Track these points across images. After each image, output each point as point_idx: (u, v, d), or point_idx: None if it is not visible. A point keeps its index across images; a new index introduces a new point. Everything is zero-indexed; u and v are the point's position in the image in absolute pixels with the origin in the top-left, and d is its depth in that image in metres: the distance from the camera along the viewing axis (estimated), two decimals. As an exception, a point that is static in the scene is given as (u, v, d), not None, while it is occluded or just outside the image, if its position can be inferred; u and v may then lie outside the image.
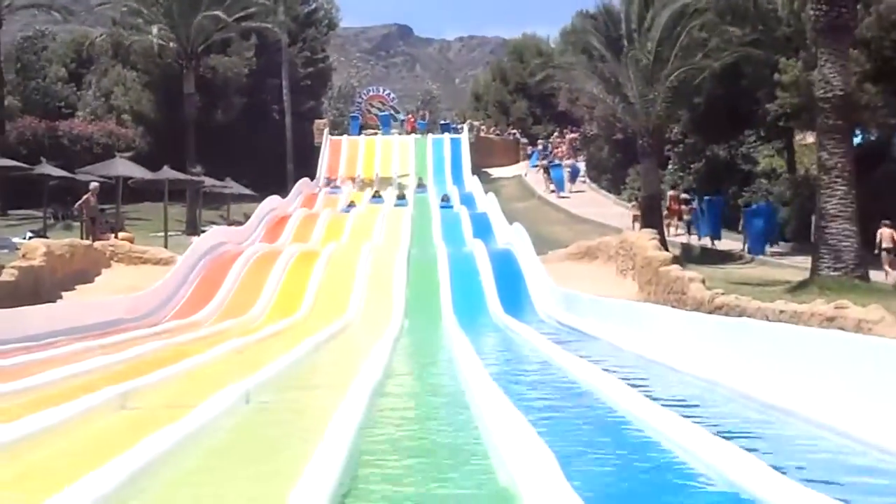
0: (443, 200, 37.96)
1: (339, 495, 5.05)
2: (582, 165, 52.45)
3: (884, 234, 25.54)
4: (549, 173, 49.20)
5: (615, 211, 40.75)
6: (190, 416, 7.16)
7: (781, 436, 7.03)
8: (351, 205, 37.64)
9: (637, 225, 34.22)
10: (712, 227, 34.98)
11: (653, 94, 32.06)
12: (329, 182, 46.26)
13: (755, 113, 34.51)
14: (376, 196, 40.86)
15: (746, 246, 33.02)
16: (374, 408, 8.21)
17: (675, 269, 19.64)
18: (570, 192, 48.15)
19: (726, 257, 32.36)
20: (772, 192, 36.47)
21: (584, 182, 50.55)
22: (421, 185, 43.90)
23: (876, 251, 25.18)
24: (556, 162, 52.13)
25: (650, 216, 32.16)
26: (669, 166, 41.86)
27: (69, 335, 15.07)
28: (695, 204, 36.32)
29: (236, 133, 50.84)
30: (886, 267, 25.01)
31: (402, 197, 40.16)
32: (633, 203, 39.32)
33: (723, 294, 16.77)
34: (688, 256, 31.23)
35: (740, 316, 14.09)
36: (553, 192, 47.66)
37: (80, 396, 8.24)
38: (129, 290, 20.91)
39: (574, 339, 15.17)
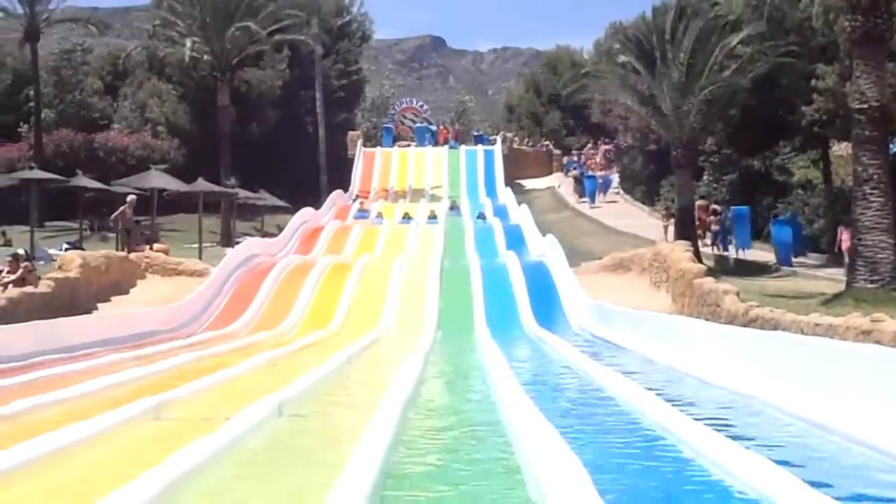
0: (478, 218, 36.30)
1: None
2: (615, 177, 52.48)
3: None
4: (580, 184, 49.19)
5: (649, 223, 40.59)
6: (223, 427, 7.19)
7: (815, 450, 6.98)
8: (379, 216, 37.45)
9: (668, 234, 35.43)
10: (741, 239, 34.83)
11: (686, 105, 31.95)
12: (358, 202, 42.75)
13: (790, 123, 34.29)
14: (406, 218, 37.10)
15: (776, 257, 32.85)
16: (407, 421, 8.22)
17: (709, 282, 19.53)
18: (602, 202, 48.16)
19: (761, 269, 32.14)
20: (807, 204, 36.24)
21: (617, 193, 50.49)
22: (454, 207, 39.76)
23: None
24: (589, 173, 52.12)
25: (683, 228, 32.02)
26: (704, 177, 41.68)
27: (105, 346, 15.20)
28: (723, 215, 36.12)
29: (270, 145, 51.12)
30: None
31: (433, 218, 36.62)
32: (663, 212, 39.51)
33: (757, 307, 16.65)
34: (722, 269, 31.07)
35: (775, 329, 13.99)
36: (584, 202, 47.60)
37: (116, 408, 8.31)
38: (163, 301, 21.06)
39: (607, 351, 15.12)
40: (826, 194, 36.17)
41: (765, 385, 9.32)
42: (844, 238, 29.10)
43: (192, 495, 5.65)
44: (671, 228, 35.56)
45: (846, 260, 26.87)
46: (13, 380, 11.04)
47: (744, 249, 34.78)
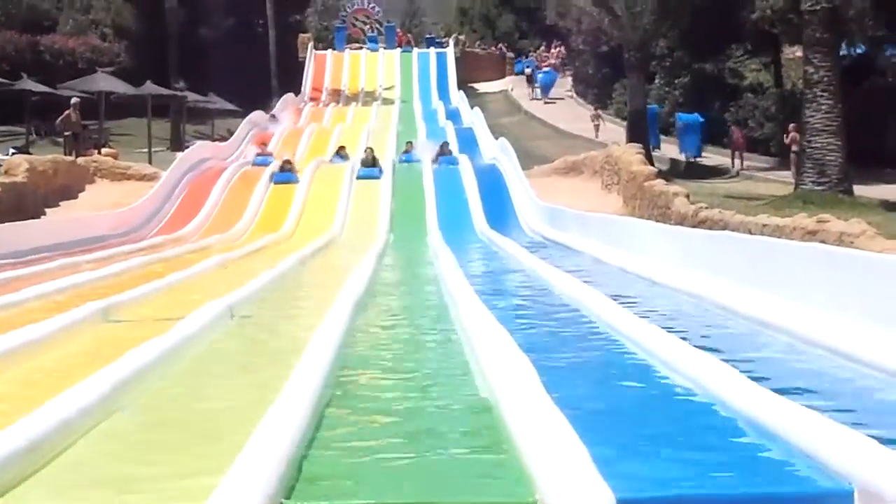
0: (441, 153, 26.09)
1: (321, 405, 5.10)
2: (568, 80, 52.92)
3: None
4: (532, 81, 51.43)
5: (615, 130, 40.56)
6: (174, 329, 7.19)
7: (760, 347, 7.10)
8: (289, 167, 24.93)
9: (597, 133, 39.28)
10: (689, 146, 35.25)
11: (640, 6, 31.74)
12: (255, 146, 29.60)
13: (742, 26, 34.23)
14: (340, 154, 26.49)
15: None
16: (357, 322, 8.26)
17: (660, 184, 19.66)
18: (545, 100, 50.27)
19: (712, 172, 32.40)
20: (758, 107, 36.39)
21: (570, 96, 50.55)
22: (408, 151, 26.74)
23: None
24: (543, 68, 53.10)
25: (635, 131, 32.06)
26: (656, 81, 41.64)
27: (53, 251, 15.03)
28: None
29: (220, 47, 50.20)
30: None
31: (371, 165, 24.52)
32: (593, 114, 41.56)
33: (706, 208, 16.82)
34: (673, 171, 31.27)
35: (723, 230, 14.13)
36: (537, 99, 49.65)
37: (65, 311, 8.27)
38: (113, 206, 20.87)
39: (558, 253, 15.23)
40: (777, 97, 36.30)
41: (712, 285, 9.44)
42: (737, 135, 34.19)
43: (142, 394, 5.66)
44: (602, 127, 39.15)
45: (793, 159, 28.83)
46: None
47: (693, 157, 35.08)
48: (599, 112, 42.26)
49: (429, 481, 4.01)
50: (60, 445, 4.47)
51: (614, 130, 37.79)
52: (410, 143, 27.30)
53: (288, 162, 24.62)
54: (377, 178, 23.46)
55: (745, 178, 31.15)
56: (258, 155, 27.10)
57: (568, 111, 46.87)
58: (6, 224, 16.19)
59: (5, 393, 5.74)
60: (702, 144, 35.98)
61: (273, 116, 36.10)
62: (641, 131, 31.97)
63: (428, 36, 61.95)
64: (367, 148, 25.78)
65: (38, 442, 4.29)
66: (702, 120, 35.89)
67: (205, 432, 4.90)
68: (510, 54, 61.48)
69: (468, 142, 29.93)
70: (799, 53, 30.89)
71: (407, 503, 3.72)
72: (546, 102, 49.26)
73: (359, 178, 23.65)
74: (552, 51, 57.56)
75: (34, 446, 4.23)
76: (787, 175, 28.38)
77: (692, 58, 39.92)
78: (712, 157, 35.80)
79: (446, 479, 4.05)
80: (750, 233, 13.35)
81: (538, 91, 51.18)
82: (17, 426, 4.35)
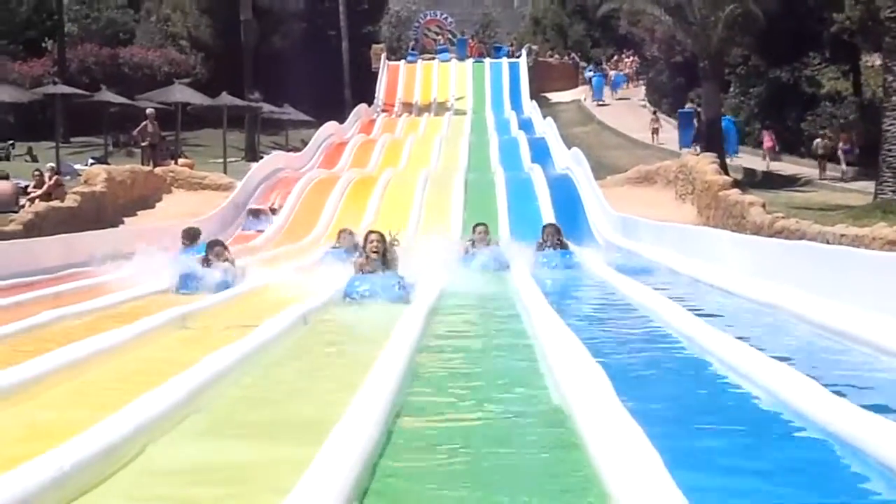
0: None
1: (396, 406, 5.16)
2: (639, 88, 53.07)
3: None
4: (591, 83, 52.84)
5: (674, 136, 40.25)
6: (251, 335, 7.28)
7: (840, 360, 6.97)
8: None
9: (656, 137, 40.54)
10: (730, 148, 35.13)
11: (714, 15, 31.43)
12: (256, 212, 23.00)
13: (820, 33, 33.70)
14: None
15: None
16: (431, 327, 8.28)
17: (735, 194, 19.43)
18: (612, 100, 51.37)
19: (789, 182, 31.95)
20: (836, 116, 35.80)
21: (643, 106, 50.22)
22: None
23: None
24: (598, 72, 54.35)
25: (711, 140, 31.71)
26: (731, 90, 41.16)
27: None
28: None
29: (294, 59, 50.70)
30: None
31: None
32: (652, 117, 41.98)
33: (783, 218, 16.58)
34: (749, 181, 30.87)
35: (800, 240, 13.93)
36: (599, 103, 50.83)
37: (144, 317, 8.42)
38: (189, 215, 21.12)
39: (632, 263, 15.10)
40: (856, 106, 35.70)
41: (789, 295, 9.30)
42: (766, 139, 35.52)
43: (223, 399, 5.74)
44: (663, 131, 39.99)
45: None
46: (42, 291, 11.16)
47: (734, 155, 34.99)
48: (658, 115, 42.20)
49: (501, 487, 4.00)
50: (136, 447, 4.54)
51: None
52: (484, 228, 14.94)
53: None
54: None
55: (822, 188, 30.67)
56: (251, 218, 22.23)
57: (641, 121, 46.50)
58: (85, 233, 16.52)
59: (84, 394, 5.87)
60: (737, 146, 36.50)
61: (255, 212, 22.73)
62: (716, 141, 31.60)
63: (496, 45, 61.93)
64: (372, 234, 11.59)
65: (116, 444, 4.37)
66: (733, 122, 36.41)
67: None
68: (583, 64, 61.24)
69: (541, 152, 29.85)
70: (879, 61, 30.36)
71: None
72: (599, 104, 50.76)
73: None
74: (625, 60, 57.25)
75: (112, 448, 4.30)
76: (867, 185, 27.88)
77: (768, 66, 39.39)
78: (789, 167, 35.31)
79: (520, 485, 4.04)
80: (828, 243, 13.13)
81: (596, 93, 52.37)
82: (96, 429, 4.44)
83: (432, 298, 9.72)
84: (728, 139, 34.58)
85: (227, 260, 11.79)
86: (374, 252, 10.60)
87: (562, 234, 15.07)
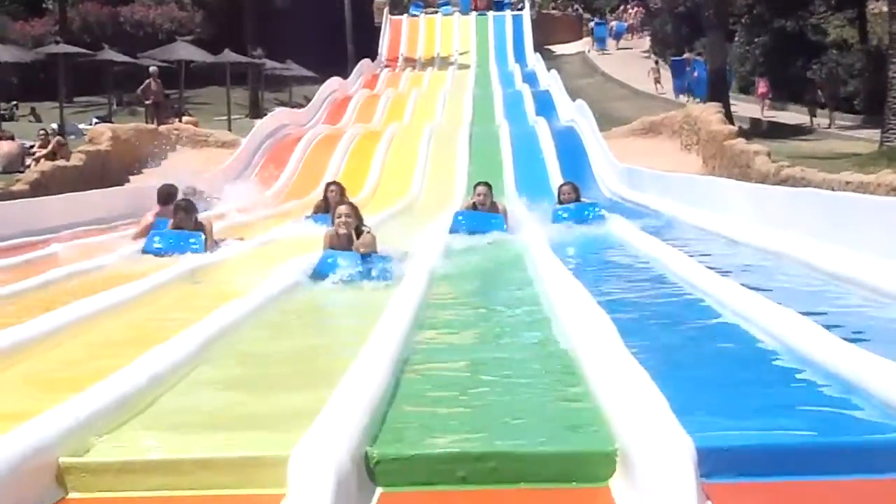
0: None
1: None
2: (643, 39, 52.81)
3: None
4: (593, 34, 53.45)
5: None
6: (258, 289, 7.36)
7: (845, 304, 7.01)
8: None
9: (659, 86, 40.44)
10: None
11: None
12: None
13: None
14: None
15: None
16: (435, 277, 8.35)
17: (741, 143, 19.38)
18: (615, 49, 52.13)
19: (794, 132, 31.83)
20: (840, 64, 35.60)
21: (646, 55, 49.97)
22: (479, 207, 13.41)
23: None
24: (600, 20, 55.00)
25: (715, 90, 31.56)
26: (736, 39, 40.91)
27: (137, 217, 15.30)
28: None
29: (296, 14, 50.45)
30: None
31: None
32: (653, 66, 42.06)
33: (788, 167, 16.55)
34: (754, 131, 30.77)
35: (806, 188, 13.93)
36: (603, 52, 51.58)
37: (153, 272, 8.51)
38: (194, 172, 21.13)
39: (636, 213, 15.12)
40: (861, 54, 35.49)
41: (794, 242, 9.33)
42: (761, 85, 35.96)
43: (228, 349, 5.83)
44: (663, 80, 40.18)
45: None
46: (48, 250, 11.22)
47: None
48: (658, 64, 42.14)
49: (509, 430, 4.07)
50: (152, 394, 4.66)
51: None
52: (486, 187, 13.16)
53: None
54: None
55: (828, 137, 30.57)
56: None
57: (645, 72, 46.28)
58: (91, 191, 16.57)
59: (97, 348, 5.97)
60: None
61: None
62: (721, 91, 31.46)
63: (496, -1, 61.59)
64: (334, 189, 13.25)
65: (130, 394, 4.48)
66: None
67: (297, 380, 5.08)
68: (587, 15, 60.86)
69: (545, 104, 29.77)
70: (885, 8, 30.14)
71: (489, 451, 3.77)
72: (602, 53, 51.39)
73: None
74: (630, 11, 56.94)
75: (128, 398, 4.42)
76: (873, 134, 27.78)
77: (773, 15, 39.11)
78: (795, 116, 35.18)
79: (526, 427, 4.11)
80: (833, 190, 13.13)
81: (598, 43, 52.95)
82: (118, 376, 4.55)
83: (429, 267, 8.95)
84: (699, 84, 35.28)
85: (198, 224, 10.83)
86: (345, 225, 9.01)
87: (580, 193, 14.05)
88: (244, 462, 3.74)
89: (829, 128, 32.50)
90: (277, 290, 7.58)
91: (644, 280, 8.56)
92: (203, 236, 10.54)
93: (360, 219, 9.14)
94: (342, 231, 8.95)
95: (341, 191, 12.95)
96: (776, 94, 36.48)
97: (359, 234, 8.90)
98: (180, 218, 10.75)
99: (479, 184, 13.12)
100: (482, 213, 12.44)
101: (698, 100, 33.60)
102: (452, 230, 12.05)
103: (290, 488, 3.39)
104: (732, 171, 18.52)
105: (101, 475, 3.75)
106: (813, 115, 33.61)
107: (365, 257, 8.58)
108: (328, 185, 13.82)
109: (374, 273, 8.36)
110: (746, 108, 36.06)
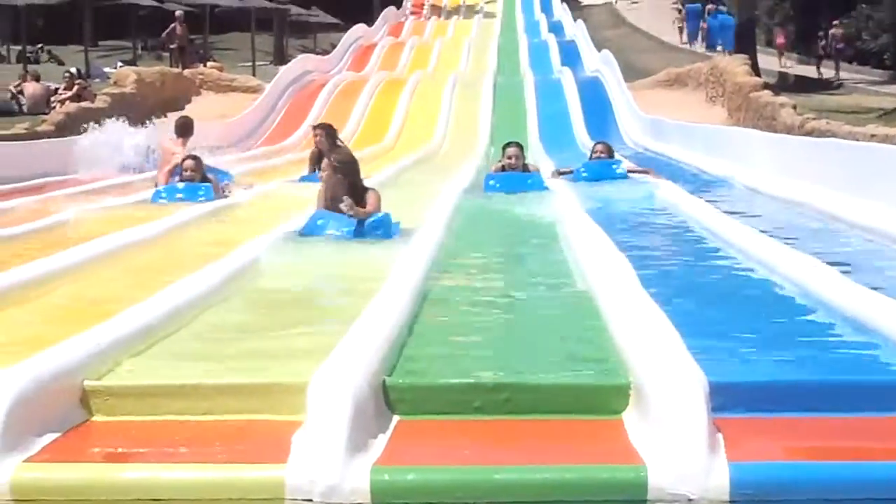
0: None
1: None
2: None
3: None
4: None
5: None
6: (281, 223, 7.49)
7: (869, 254, 7.01)
8: None
9: (682, 35, 40.53)
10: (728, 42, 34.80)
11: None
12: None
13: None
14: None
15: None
16: (456, 222, 8.39)
17: (766, 95, 19.26)
18: None
19: (821, 86, 31.56)
20: (872, 18, 35.19)
21: (675, 6, 49.57)
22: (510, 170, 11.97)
23: None
24: None
25: (742, 42, 31.26)
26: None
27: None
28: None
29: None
30: None
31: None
32: (678, 15, 42.10)
33: (813, 119, 16.45)
34: (781, 85, 30.52)
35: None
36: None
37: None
38: (219, 117, 21.19)
39: (661, 164, 15.08)
40: (891, 7, 35.03)
41: (816, 192, 9.32)
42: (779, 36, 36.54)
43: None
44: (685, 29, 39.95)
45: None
46: (77, 188, 11.40)
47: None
48: (683, 12, 41.78)
49: (524, 363, 4.14)
50: (174, 325, 4.77)
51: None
52: (517, 148, 11.55)
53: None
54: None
55: (855, 92, 30.30)
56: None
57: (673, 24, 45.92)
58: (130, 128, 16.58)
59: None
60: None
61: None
62: (749, 42, 31.15)
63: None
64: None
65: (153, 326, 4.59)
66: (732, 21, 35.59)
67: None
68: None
69: (571, 55, 29.58)
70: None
71: (503, 382, 3.83)
72: (631, 4, 51.28)
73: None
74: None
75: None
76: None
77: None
78: (822, 71, 34.86)
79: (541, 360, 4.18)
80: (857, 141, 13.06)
81: None
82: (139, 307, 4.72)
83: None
84: (725, 34, 34.41)
85: (204, 177, 10.45)
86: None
87: (613, 153, 12.85)
88: (264, 388, 3.82)
89: (835, 79, 32.37)
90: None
91: (665, 228, 8.59)
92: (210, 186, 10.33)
93: (355, 174, 7.69)
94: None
95: (329, 134, 10.94)
96: (802, 48, 36.21)
97: (354, 191, 7.47)
98: (190, 173, 10.32)
99: (509, 145, 11.50)
100: (516, 173, 11.06)
101: (719, 48, 33.56)
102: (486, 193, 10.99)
103: (309, 414, 3.46)
104: (758, 123, 18.42)
105: (124, 399, 3.84)
106: (818, 66, 33.59)
107: (359, 221, 7.37)
108: (314, 128, 12.25)
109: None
110: (771, 60, 35.75)
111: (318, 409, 3.43)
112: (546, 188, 10.83)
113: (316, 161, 11.01)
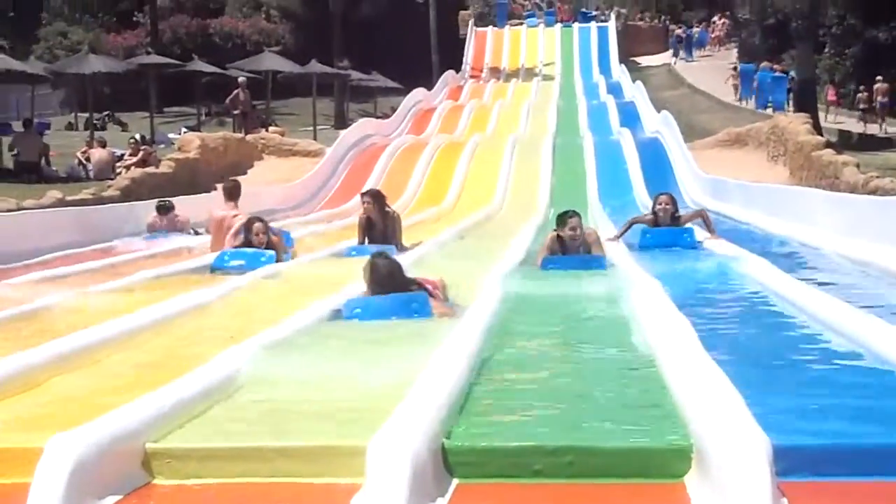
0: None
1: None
2: (730, 51, 52.17)
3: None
4: (680, 42, 53.08)
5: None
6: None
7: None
8: None
9: (737, 92, 39.68)
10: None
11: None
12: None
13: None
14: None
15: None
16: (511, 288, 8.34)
17: (829, 154, 19.11)
18: (699, 56, 52.05)
19: (885, 144, 31.25)
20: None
21: (732, 66, 49.48)
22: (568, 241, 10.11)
23: None
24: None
25: (803, 101, 31.11)
26: (826, 51, 40.27)
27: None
28: None
29: (382, 26, 50.93)
30: None
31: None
32: (732, 73, 41.74)
33: (877, 177, 16.27)
34: (844, 143, 30.26)
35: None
36: (682, 59, 51.31)
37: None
38: (281, 181, 21.48)
39: (721, 224, 14.98)
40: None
41: (881, 251, 9.18)
42: (830, 93, 36.30)
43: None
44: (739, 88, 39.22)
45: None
46: (143, 252, 11.61)
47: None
48: (737, 70, 41.73)
49: (584, 426, 4.10)
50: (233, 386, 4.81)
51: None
52: (577, 220, 10.01)
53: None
54: None
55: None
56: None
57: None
58: (183, 197, 16.89)
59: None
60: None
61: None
62: (809, 101, 31.00)
63: (584, 11, 61.31)
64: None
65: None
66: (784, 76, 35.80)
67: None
68: (673, 27, 60.40)
69: (630, 116, 29.63)
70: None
71: (564, 445, 3.80)
72: (689, 61, 50.78)
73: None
74: (717, 22, 56.40)
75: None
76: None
77: (864, 25, 38.40)
78: (889, 128, 34.56)
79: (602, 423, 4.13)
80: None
81: (682, 52, 52.40)
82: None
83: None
84: (762, 90, 35.29)
85: (268, 243, 9.99)
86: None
87: (677, 206, 11.83)
88: (323, 451, 3.82)
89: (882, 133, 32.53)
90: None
91: (724, 286, 8.52)
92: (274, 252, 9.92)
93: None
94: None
95: (377, 199, 10.88)
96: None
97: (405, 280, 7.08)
98: (261, 237, 9.95)
99: (569, 214, 10.06)
100: (571, 257, 9.69)
101: (769, 107, 33.53)
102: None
103: (368, 477, 3.45)
104: (820, 182, 18.27)
105: (185, 461, 3.86)
106: (864, 120, 33.59)
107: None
108: (362, 196, 11.58)
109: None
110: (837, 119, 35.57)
111: (378, 474, 3.43)
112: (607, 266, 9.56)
113: (366, 229, 10.87)
